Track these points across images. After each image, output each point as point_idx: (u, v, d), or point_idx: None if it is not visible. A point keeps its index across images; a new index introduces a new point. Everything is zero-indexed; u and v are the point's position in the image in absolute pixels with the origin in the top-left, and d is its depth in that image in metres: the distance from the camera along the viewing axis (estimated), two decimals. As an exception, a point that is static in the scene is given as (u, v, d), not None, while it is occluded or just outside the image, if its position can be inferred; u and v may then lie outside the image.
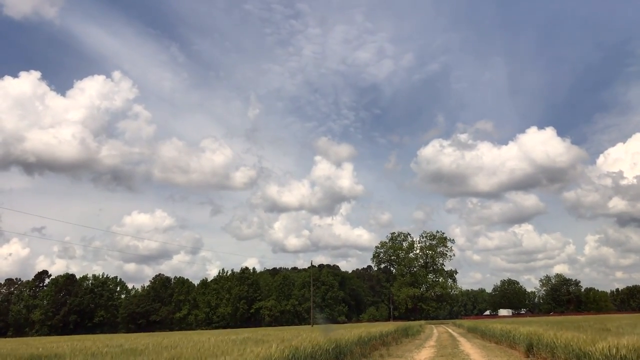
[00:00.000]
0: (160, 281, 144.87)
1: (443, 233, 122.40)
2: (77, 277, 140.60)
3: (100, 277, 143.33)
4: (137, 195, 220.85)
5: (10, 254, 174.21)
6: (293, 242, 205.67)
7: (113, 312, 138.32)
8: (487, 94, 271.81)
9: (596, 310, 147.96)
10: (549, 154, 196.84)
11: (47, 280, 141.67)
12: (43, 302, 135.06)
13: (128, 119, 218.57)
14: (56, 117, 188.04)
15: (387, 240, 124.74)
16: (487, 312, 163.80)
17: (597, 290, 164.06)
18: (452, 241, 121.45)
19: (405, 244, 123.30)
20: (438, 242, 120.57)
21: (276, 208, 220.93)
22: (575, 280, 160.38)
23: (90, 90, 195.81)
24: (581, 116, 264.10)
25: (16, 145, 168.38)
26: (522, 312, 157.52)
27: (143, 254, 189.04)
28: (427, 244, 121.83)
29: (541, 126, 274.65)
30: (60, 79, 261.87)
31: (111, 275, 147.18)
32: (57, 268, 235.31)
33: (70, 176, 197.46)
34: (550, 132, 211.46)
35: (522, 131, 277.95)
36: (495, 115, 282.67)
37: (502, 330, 24.68)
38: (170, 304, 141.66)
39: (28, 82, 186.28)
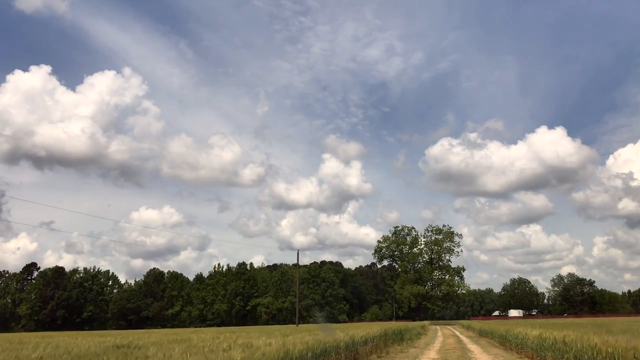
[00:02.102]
0: (153, 276, 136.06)
1: (450, 227, 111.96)
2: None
3: (91, 270, 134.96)
4: (145, 191, 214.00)
5: (18, 248, 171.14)
6: (300, 239, 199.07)
7: (103, 307, 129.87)
8: (497, 93, 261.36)
9: (611, 312, 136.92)
10: (559, 154, 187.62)
11: (35, 273, 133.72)
12: (31, 295, 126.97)
13: (137, 114, 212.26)
14: (66, 112, 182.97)
15: (390, 235, 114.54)
16: (496, 313, 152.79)
17: (612, 292, 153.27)
18: (460, 236, 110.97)
19: (409, 239, 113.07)
20: (444, 236, 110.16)
21: (284, 205, 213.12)
22: (590, 280, 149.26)
23: (100, 86, 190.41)
24: (591, 116, 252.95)
25: (26, 140, 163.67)
26: (534, 313, 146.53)
27: (150, 250, 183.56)
28: (433, 238, 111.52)
29: (551, 126, 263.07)
30: (70, 74, 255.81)
31: (104, 269, 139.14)
32: (63, 263, 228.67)
33: (79, 171, 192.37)
34: (560, 131, 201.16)
35: (532, 131, 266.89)
36: (505, 114, 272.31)
37: (545, 340, 14.96)
38: (162, 299, 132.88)
39: (38, 76, 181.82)
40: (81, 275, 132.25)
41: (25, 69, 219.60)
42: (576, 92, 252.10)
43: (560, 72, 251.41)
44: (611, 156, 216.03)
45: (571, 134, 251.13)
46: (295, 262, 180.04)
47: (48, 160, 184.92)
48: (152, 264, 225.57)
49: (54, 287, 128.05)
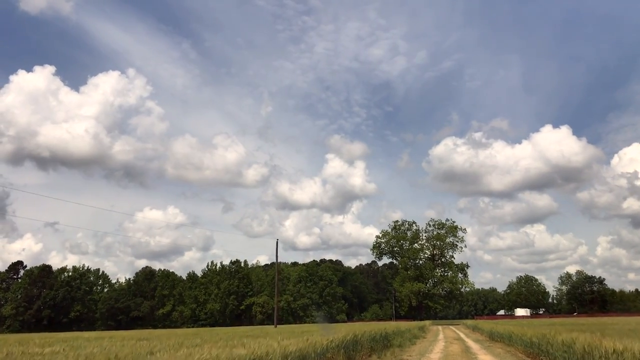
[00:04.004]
0: (144, 274, 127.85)
1: (453, 221, 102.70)
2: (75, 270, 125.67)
3: (80, 268, 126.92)
4: (150, 192, 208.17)
5: (23, 249, 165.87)
6: (304, 240, 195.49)
7: (91, 307, 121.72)
8: (501, 92, 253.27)
9: (622, 311, 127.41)
10: (564, 153, 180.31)
11: (22, 272, 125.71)
12: (17, 295, 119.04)
13: (141, 114, 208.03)
14: (69, 113, 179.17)
15: (390, 229, 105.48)
16: (502, 312, 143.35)
17: (624, 290, 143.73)
18: (464, 230, 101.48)
19: (409, 234, 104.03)
20: (447, 231, 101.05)
21: (287, 206, 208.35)
22: (600, 277, 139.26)
23: (104, 86, 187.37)
24: (596, 115, 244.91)
25: (29, 140, 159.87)
26: (541, 312, 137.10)
27: (155, 250, 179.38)
28: (435, 233, 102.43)
29: (556, 125, 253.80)
30: (73, 75, 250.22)
31: (95, 268, 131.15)
32: (67, 263, 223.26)
33: (83, 172, 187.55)
34: (565, 130, 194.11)
35: (537, 130, 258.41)
36: (509, 113, 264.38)
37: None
38: (153, 299, 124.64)
39: (42, 76, 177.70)
40: (69, 274, 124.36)
41: (29, 69, 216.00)
42: (581, 91, 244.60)
43: (565, 71, 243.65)
44: (616, 155, 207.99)
45: (576, 133, 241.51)
46: (293, 260, 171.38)
47: (52, 161, 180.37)
48: (157, 265, 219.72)
49: (41, 286, 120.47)
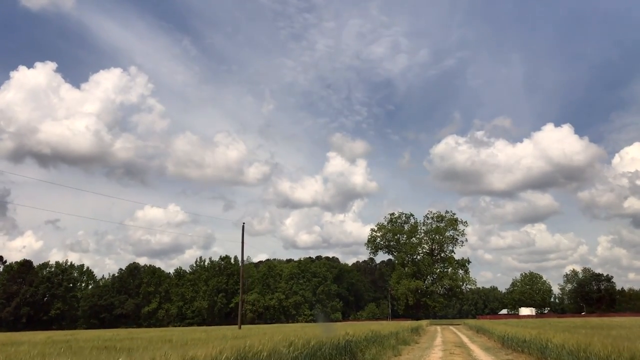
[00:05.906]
0: (128, 270, 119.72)
1: (454, 214, 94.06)
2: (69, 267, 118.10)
3: (63, 264, 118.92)
4: (150, 190, 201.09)
5: (24, 247, 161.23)
6: (304, 238, 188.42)
7: (73, 304, 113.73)
8: (503, 90, 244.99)
9: (632, 310, 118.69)
10: (566, 152, 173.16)
11: (1, 268, 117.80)
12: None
13: (142, 112, 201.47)
14: (70, 110, 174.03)
15: (386, 223, 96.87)
16: (504, 311, 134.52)
17: (634, 289, 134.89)
18: (465, 224, 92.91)
19: (406, 227, 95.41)
20: (447, 224, 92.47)
21: (288, 204, 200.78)
22: (607, 275, 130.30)
23: (105, 83, 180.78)
24: (598, 114, 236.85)
25: (30, 137, 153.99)
26: (545, 311, 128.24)
27: (155, 248, 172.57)
28: (434, 226, 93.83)
29: (558, 124, 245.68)
30: (74, 72, 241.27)
31: (79, 264, 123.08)
32: (67, 261, 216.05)
33: (84, 169, 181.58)
34: (567, 129, 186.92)
35: (539, 128, 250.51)
36: (511, 112, 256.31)
37: None
38: (138, 296, 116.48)
39: (43, 73, 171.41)
40: (51, 269, 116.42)
41: (30, 66, 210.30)
42: (583, 89, 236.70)
43: (567, 70, 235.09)
44: (617, 155, 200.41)
45: (578, 132, 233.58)
46: (289, 258, 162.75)
47: (53, 158, 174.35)
48: (157, 263, 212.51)
49: (21, 282, 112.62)
